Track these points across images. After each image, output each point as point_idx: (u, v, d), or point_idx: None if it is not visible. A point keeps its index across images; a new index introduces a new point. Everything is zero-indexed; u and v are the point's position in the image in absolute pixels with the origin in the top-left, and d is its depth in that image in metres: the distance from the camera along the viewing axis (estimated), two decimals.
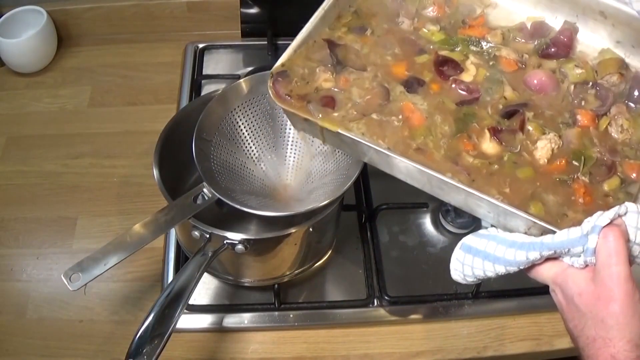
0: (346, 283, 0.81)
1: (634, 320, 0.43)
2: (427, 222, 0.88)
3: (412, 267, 0.84)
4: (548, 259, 0.50)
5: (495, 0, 0.73)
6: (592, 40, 0.69)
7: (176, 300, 0.60)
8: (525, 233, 0.54)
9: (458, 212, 0.85)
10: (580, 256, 0.47)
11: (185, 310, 0.63)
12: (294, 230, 0.67)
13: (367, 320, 0.78)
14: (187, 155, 0.69)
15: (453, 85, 0.65)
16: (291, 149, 0.81)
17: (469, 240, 0.57)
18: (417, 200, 0.90)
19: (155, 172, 0.70)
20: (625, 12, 0.65)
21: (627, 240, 0.46)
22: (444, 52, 0.67)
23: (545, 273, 0.50)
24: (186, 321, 0.76)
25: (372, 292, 0.80)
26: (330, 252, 0.84)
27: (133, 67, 1.08)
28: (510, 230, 0.56)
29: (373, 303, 0.79)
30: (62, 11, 1.08)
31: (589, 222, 0.47)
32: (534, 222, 0.53)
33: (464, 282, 0.59)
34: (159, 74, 1.07)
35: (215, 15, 1.13)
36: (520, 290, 0.81)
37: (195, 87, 1.03)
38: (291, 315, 0.78)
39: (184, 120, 0.74)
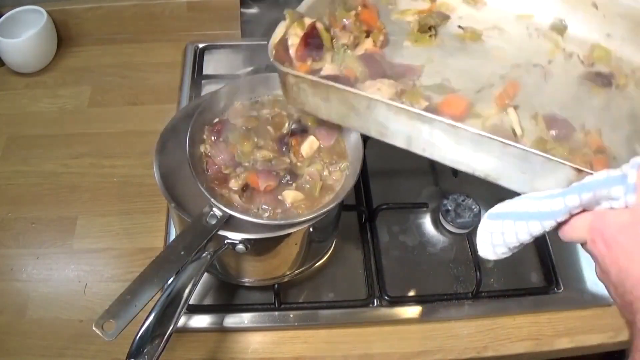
0: (346, 283, 0.81)
1: None
2: (427, 222, 0.88)
3: (412, 267, 0.84)
4: (582, 211, 0.47)
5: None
6: (583, 32, 0.71)
7: (177, 300, 0.60)
8: None
9: (458, 212, 0.85)
10: (619, 199, 0.44)
11: (185, 310, 0.62)
12: (294, 230, 0.67)
13: (367, 320, 0.78)
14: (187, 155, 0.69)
15: None
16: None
17: (494, 209, 0.52)
18: (417, 200, 0.90)
19: (156, 172, 0.70)
20: (617, 2, 0.66)
21: None
22: None
23: (581, 224, 0.47)
24: (186, 321, 0.76)
25: (372, 292, 0.80)
26: (330, 252, 0.84)
27: (133, 67, 1.08)
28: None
29: (373, 303, 0.79)
30: (62, 11, 1.08)
31: (626, 164, 0.44)
32: (579, 172, 0.49)
33: (494, 256, 0.53)
34: (159, 74, 1.07)
35: (215, 15, 1.14)
36: (520, 290, 0.82)
37: (195, 87, 1.03)
38: (291, 315, 0.78)
39: (184, 120, 0.74)
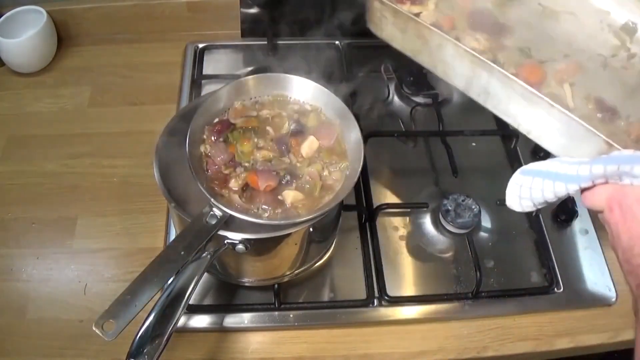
0: (346, 283, 0.82)
1: None
2: (427, 222, 0.88)
3: (412, 267, 0.84)
4: (604, 183, 0.51)
5: None
6: None
7: (177, 300, 0.61)
8: None
9: (458, 212, 0.85)
10: (639, 177, 0.48)
11: (185, 310, 0.62)
12: (293, 230, 0.67)
13: (367, 320, 0.78)
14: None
15: None
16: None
17: (528, 165, 0.57)
18: (417, 200, 0.90)
19: (156, 172, 0.70)
20: None
21: None
22: None
23: (602, 192, 0.52)
24: (186, 321, 0.76)
25: (372, 292, 0.80)
26: (330, 252, 0.84)
27: (133, 67, 1.08)
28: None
29: (373, 303, 0.79)
30: (62, 11, 1.08)
31: None
32: (609, 146, 0.55)
33: (519, 208, 0.59)
34: (159, 74, 1.07)
35: (215, 15, 1.13)
36: (520, 290, 0.82)
37: (195, 87, 1.03)
38: (291, 315, 0.78)
39: (184, 120, 0.74)
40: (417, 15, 0.74)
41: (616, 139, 0.60)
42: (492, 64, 0.63)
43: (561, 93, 0.68)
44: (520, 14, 0.79)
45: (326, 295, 0.80)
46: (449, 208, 0.86)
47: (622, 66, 0.76)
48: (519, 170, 0.58)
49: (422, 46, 0.70)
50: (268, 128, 0.74)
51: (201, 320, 0.77)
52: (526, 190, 0.57)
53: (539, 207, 0.57)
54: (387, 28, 0.73)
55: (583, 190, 0.53)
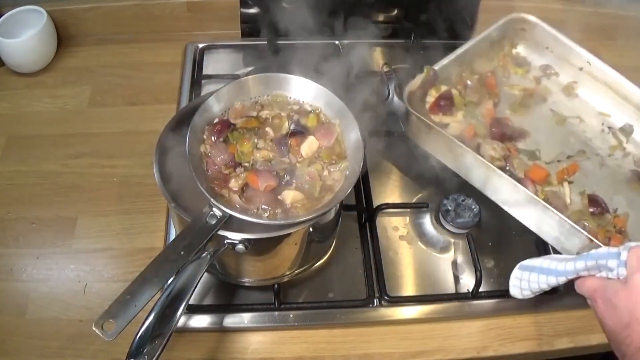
0: (346, 283, 0.81)
1: None
2: (427, 222, 0.88)
3: (412, 267, 0.84)
4: (590, 276, 0.64)
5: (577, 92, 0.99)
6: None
7: (177, 300, 0.61)
8: (577, 253, 0.71)
9: (458, 212, 0.85)
10: (613, 270, 0.60)
11: (185, 310, 0.62)
12: (294, 230, 0.67)
13: (367, 320, 0.79)
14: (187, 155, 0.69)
15: None
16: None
17: (526, 262, 0.72)
18: (417, 200, 0.90)
19: (156, 172, 0.70)
20: None
21: None
22: None
23: (588, 286, 0.64)
24: (186, 321, 0.76)
25: (372, 292, 0.80)
26: (330, 252, 0.84)
27: (133, 67, 1.08)
28: (566, 250, 0.77)
29: (373, 303, 0.79)
30: (62, 11, 1.08)
31: (622, 245, 0.61)
32: (591, 241, 0.72)
33: (520, 296, 0.73)
34: (159, 74, 1.07)
35: (215, 15, 1.14)
36: None
37: (195, 87, 1.03)
38: (291, 315, 0.78)
39: (183, 120, 0.74)
40: (447, 125, 0.87)
41: (603, 232, 0.77)
42: (502, 173, 0.78)
43: (561, 190, 0.83)
44: (534, 120, 0.93)
45: (326, 296, 0.80)
46: (449, 208, 0.86)
47: (617, 164, 0.90)
48: (518, 266, 0.72)
49: (449, 153, 0.83)
50: (268, 128, 0.74)
51: (201, 320, 0.77)
52: (525, 282, 0.71)
53: (537, 294, 0.72)
54: (422, 137, 0.87)
55: (573, 280, 0.66)
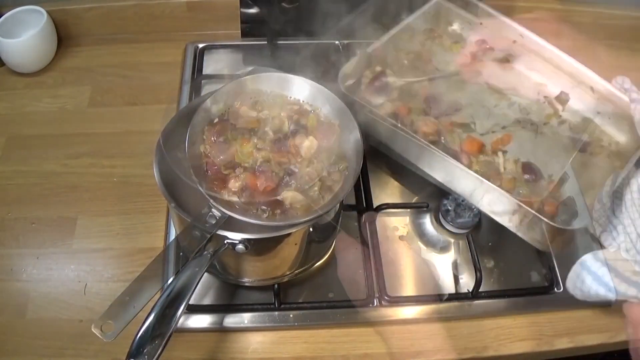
0: (346, 283, 0.81)
1: None
2: (427, 222, 0.88)
3: (412, 267, 0.84)
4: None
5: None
6: (580, 107, 0.93)
7: (177, 300, 0.60)
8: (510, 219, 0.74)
9: (458, 212, 0.85)
10: None
11: (185, 310, 0.62)
12: (294, 230, 0.67)
13: (367, 320, 0.78)
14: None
15: None
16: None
17: (587, 260, 0.72)
18: (417, 200, 0.90)
19: (156, 172, 0.70)
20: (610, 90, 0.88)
21: None
22: None
23: (637, 313, 0.66)
24: (186, 321, 0.76)
25: (372, 292, 0.80)
26: (330, 252, 0.84)
27: (133, 67, 1.08)
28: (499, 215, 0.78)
29: (373, 303, 0.79)
30: (62, 11, 1.08)
31: None
32: (519, 207, 0.73)
33: (576, 295, 0.74)
34: (159, 74, 1.07)
35: (215, 15, 1.13)
36: (520, 290, 0.82)
37: (195, 87, 1.03)
38: (291, 315, 0.78)
39: (184, 120, 0.74)
40: (381, 104, 0.86)
41: (536, 197, 0.78)
42: (433, 147, 0.78)
43: (495, 160, 0.83)
44: (470, 93, 0.92)
45: (326, 296, 0.80)
46: (449, 208, 0.86)
47: (552, 132, 0.90)
48: (579, 261, 0.73)
49: (384, 132, 0.84)
50: (267, 128, 0.74)
51: (201, 320, 0.77)
52: (580, 282, 0.73)
53: (587, 300, 0.73)
54: (362, 117, 0.81)
55: (621, 301, 0.68)
